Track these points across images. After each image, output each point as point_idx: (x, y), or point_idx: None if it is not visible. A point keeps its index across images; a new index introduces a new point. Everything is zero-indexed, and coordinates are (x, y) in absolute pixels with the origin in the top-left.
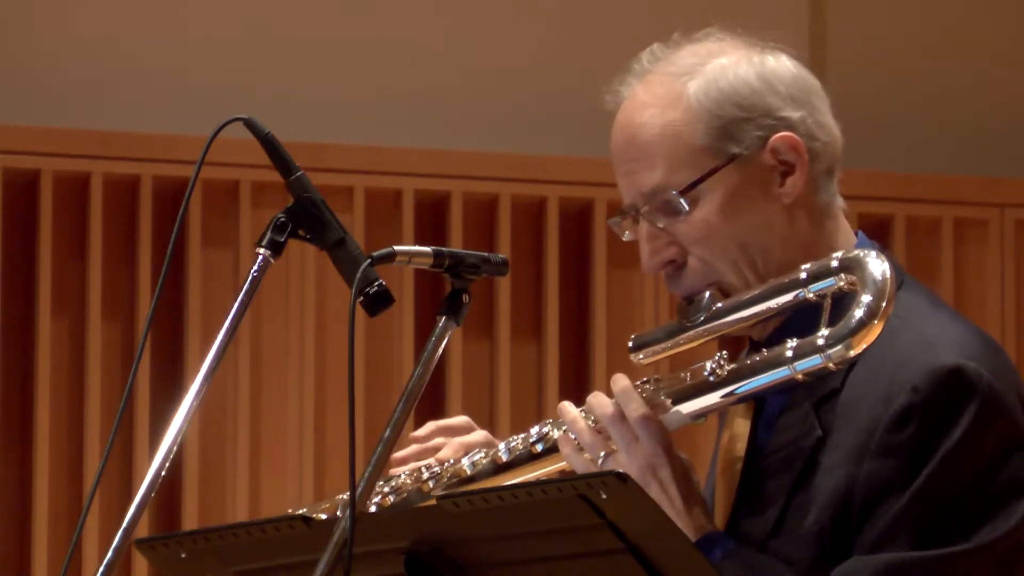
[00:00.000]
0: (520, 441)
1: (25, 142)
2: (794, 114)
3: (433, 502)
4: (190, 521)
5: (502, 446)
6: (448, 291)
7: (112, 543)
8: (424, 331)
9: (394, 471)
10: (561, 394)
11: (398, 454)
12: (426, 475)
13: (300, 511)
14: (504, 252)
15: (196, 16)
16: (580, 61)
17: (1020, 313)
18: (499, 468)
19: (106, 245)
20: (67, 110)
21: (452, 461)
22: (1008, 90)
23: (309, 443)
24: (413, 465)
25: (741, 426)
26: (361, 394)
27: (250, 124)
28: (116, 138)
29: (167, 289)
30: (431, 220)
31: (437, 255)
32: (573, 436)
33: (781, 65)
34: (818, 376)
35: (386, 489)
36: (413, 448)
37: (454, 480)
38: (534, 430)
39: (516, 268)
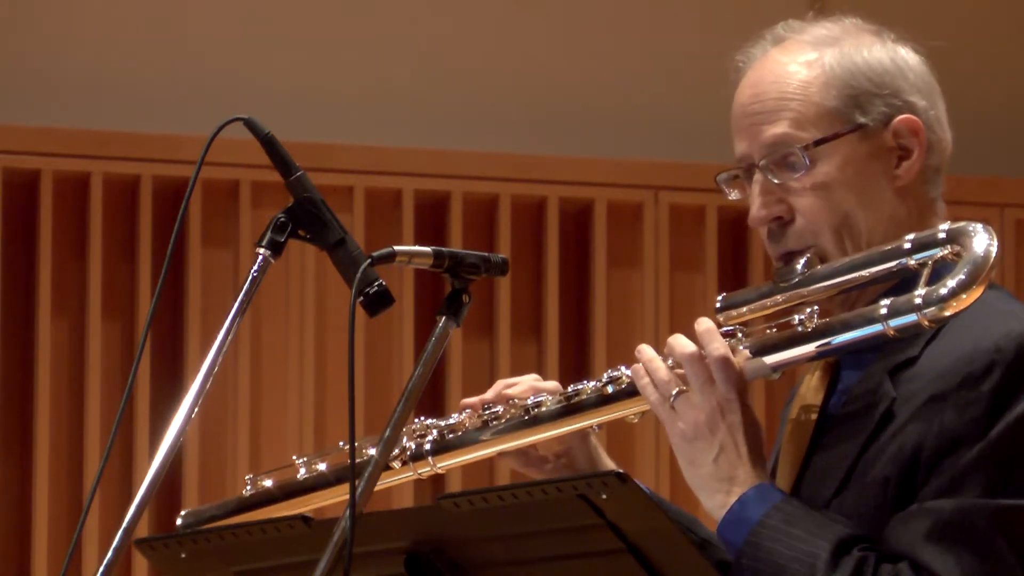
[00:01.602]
0: (589, 386)
1: (25, 142)
2: (919, 102)
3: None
4: None
5: (570, 388)
6: (448, 291)
7: (112, 543)
8: (424, 331)
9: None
10: None
11: (467, 400)
12: (487, 415)
13: (302, 459)
14: (504, 252)
15: (196, 16)
16: (580, 62)
17: None
18: (568, 409)
19: (106, 245)
20: (67, 110)
21: (517, 400)
22: (1007, 90)
23: (309, 443)
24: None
25: (814, 395)
26: (361, 394)
27: (250, 124)
28: (116, 138)
29: (167, 289)
30: (431, 220)
31: (437, 255)
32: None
33: (911, 57)
34: (910, 335)
35: (442, 424)
36: (477, 400)
37: (516, 420)
38: (605, 375)
39: (516, 268)
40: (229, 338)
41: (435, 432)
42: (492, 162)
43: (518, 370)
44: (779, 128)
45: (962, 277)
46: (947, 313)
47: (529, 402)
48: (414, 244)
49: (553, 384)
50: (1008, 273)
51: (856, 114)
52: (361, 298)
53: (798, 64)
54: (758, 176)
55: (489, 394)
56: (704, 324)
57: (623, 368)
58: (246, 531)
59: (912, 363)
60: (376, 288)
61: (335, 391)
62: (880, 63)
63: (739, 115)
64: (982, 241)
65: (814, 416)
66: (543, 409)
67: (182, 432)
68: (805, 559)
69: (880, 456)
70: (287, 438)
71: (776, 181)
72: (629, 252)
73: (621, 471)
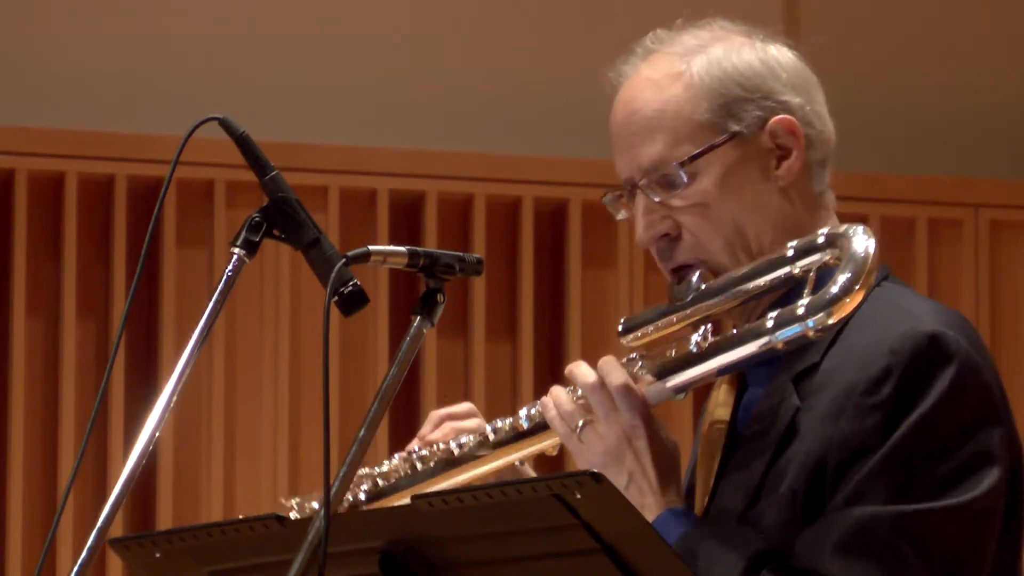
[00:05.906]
0: (507, 423)
1: None
2: (793, 99)
3: (407, 499)
4: (165, 521)
5: (488, 427)
6: (423, 291)
7: (87, 542)
8: (399, 331)
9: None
10: (536, 393)
11: (410, 446)
12: (415, 458)
13: (293, 500)
14: (479, 252)
15: (171, 15)
16: (555, 61)
17: (994, 313)
18: (485, 447)
19: (81, 245)
20: (42, 109)
21: (441, 444)
22: (982, 90)
23: (284, 442)
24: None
25: (722, 408)
26: (336, 394)
27: (225, 123)
28: (91, 137)
29: (142, 289)
30: (406, 220)
31: (412, 255)
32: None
33: (783, 54)
34: (799, 345)
35: (375, 472)
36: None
37: (441, 462)
38: (522, 411)
39: (491, 268)
40: (204, 338)
41: (368, 482)
42: (467, 162)
43: (493, 369)
44: (654, 148)
45: (843, 280)
46: (832, 320)
47: (452, 446)
48: (389, 244)
49: (476, 422)
50: (982, 273)
51: (730, 122)
52: (336, 298)
53: (668, 78)
54: (640, 197)
55: (429, 426)
56: (605, 358)
57: (539, 405)
58: (220, 531)
59: (815, 369)
60: (351, 288)
61: (310, 390)
62: (750, 66)
63: (616, 135)
64: (861, 242)
65: (722, 434)
66: (465, 451)
67: (156, 431)
68: None
69: (787, 468)
70: (262, 437)
71: (657, 199)
72: (604, 252)
73: (595, 471)
